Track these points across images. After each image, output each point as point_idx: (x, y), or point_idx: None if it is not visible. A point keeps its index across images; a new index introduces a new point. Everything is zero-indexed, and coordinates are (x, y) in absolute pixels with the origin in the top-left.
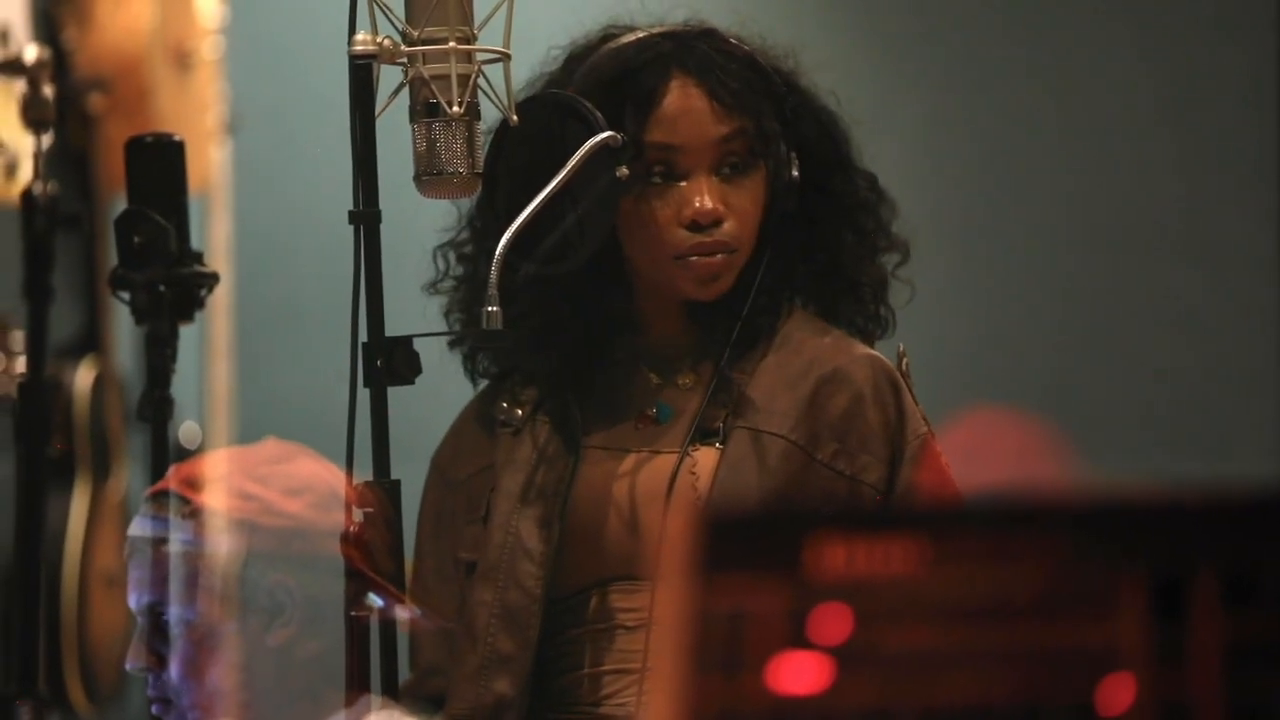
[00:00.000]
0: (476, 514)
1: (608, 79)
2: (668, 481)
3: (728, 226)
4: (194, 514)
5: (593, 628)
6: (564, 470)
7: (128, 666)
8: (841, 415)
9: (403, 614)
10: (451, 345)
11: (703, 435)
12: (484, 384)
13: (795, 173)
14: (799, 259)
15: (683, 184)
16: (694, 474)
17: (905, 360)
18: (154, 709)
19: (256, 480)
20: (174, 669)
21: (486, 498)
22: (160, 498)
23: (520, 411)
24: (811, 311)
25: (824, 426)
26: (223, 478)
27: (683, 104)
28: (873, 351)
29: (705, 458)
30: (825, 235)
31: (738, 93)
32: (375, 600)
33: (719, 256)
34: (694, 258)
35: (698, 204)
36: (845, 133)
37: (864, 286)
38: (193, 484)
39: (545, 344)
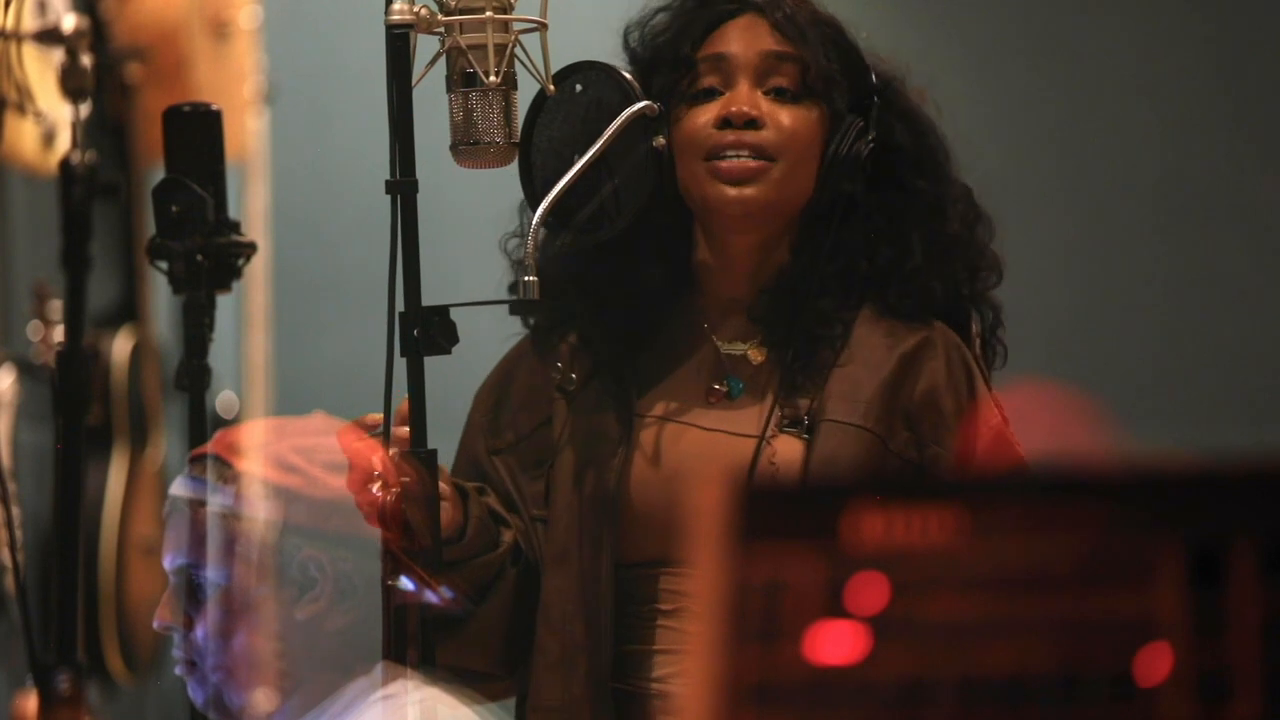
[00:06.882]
0: (540, 472)
1: (692, 3)
2: (747, 468)
3: (764, 133)
4: (233, 479)
5: (656, 606)
6: (617, 445)
7: (155, 624)
8: (917, 402)
9: (433, 597)
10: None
11: (784, 422)
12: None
13: (867, 142)
14: (864, 254)
15: (727, 94)
16: (774, 464)
17: (978, 340)
18: (178, 669)
19: (299, 452)
20: (200, 630)
21: (549, 463)
22: (202, 460)
23: (574, 375)
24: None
25: (899, 412)
26: (266, 446)
27: (743, 24)
28: (948, 330)
29: (784, 445)
30: (894, 234)
31: (803, 29)
32: (406, 584)
33: (749, 160)
34: (724, 159)
35: (734, 104)
36: (939, 141)
37: (933, 292)
38: (235, 449)
39: (602, 307)
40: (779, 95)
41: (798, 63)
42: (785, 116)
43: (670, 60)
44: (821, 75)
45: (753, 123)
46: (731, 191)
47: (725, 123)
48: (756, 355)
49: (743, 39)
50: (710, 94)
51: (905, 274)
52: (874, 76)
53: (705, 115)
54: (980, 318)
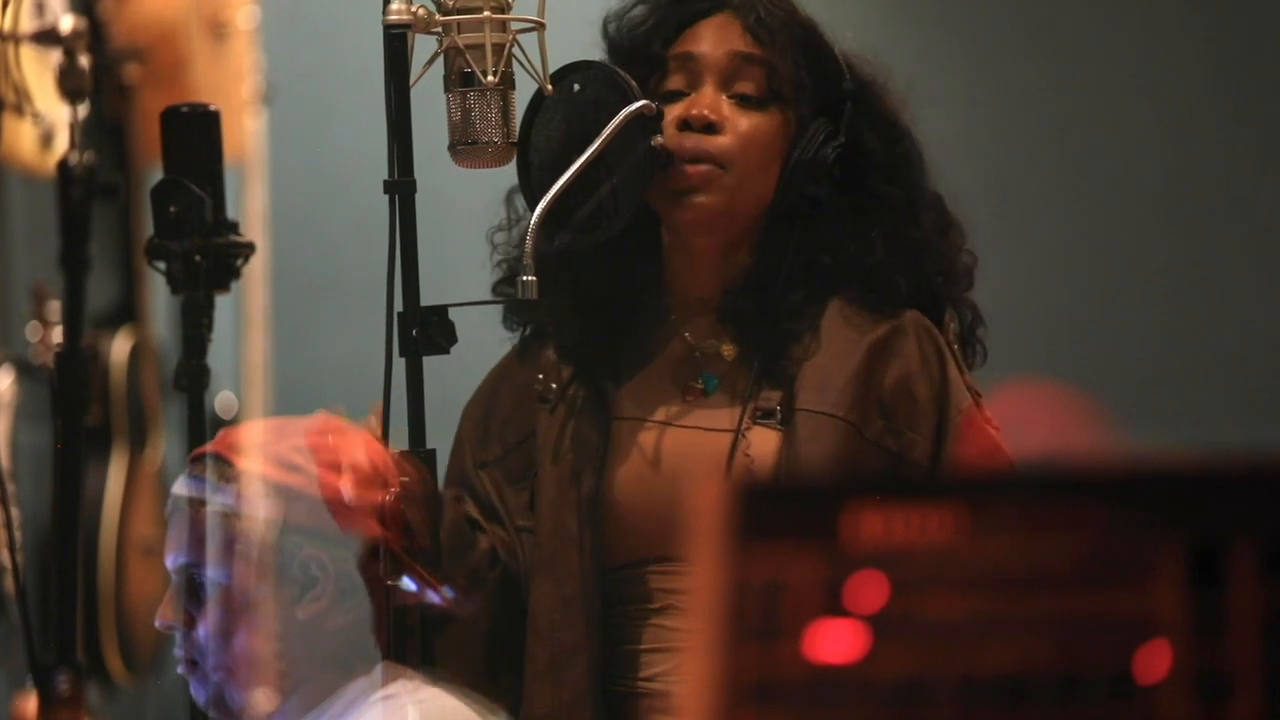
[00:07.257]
0: (526, 483)
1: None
2: (724, 462)
3: (721, 139)
4: (235, 478)
5: (644, 605)
6: (598, 448)
7: (157, 623)
8: (890, 390)
9: (434, 597)
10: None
11: (758, 414)
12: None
13: (834, 146)
14: (827, 251)
15: (692, 95)
16: (749, 455)
17: (952, 327)
18: (179, 668)
19: (300, 452)
20: (202, 630)
21: (532, 474)
22: (203, 460)
23: (555, 385)
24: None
25: (873, 400)
26: (267, 446)
27: (716, 24)
28: (919, 315)
29: (759, 437)
30: (859, 233)
31: (774, 32)
32: (408, 584)
33: (703, 167)
34: (679, 164)
35: (695, 106)
36: (912, 147)
37: (897, 287)
38: (236, 449)
39: (575, 311)
40: (744, 101)
41: (765, 65)
42: (744, 122)
43: (642, 56)
44: (787, 79)
45: (711, 126)
46: (684, 199)
47: (685, 125)
48: (729, 351)
49: (713, 39)
50: (678, 95)
51: (868, 269)
52: (849, 80)
53: (668, 116)
54: (959, 318)
